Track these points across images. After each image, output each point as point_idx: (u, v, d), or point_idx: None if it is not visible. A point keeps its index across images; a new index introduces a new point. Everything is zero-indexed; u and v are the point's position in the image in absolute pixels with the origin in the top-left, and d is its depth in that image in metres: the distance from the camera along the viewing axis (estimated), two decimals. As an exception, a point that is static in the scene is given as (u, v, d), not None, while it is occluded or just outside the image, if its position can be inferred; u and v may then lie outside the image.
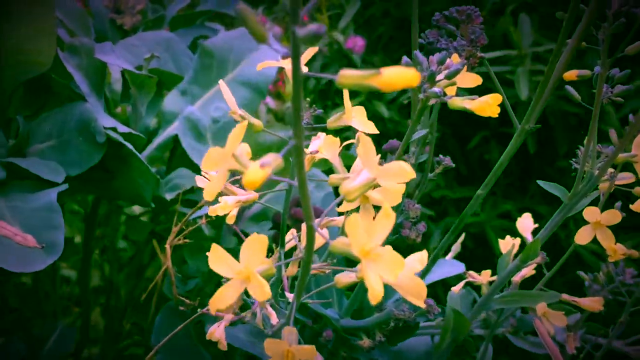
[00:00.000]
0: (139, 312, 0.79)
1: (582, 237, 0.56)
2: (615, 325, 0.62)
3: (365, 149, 0.37)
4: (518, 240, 0.62)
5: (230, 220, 0.47)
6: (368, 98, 1.34)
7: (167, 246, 0.64)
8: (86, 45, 0.67)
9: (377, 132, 0.45)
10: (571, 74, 0.48)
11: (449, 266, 0.73)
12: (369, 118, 1.40)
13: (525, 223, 0.65)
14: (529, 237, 0.64)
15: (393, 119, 1.34)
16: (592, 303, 0.57)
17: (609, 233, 0.55)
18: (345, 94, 0.47)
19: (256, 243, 0.36)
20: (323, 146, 0.50)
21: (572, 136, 1.33)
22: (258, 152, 0.69)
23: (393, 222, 0.33)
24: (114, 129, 0.63)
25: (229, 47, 0.75)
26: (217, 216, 0.48)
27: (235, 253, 0.36)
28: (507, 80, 1.23)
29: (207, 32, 0.86)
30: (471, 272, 0.65)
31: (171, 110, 0.74)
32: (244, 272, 0.36)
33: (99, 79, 0.68)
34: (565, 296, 0.59)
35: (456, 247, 0.77)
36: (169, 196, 0.70)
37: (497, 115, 0.42)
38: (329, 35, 1.36)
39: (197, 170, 0.73)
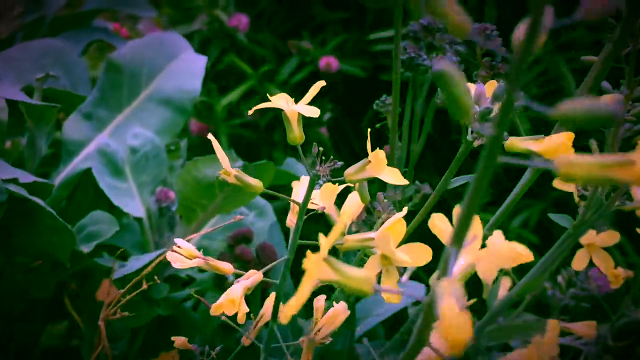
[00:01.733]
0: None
1: (579, 262, 0.53)
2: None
3: (457, 223, 0.26)
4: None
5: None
6: (259, 81, 1.24)
7: (101, 323, 0.52)
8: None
9: (406, 182, 0.37)
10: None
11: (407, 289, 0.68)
12: (262, 102, 1.28)
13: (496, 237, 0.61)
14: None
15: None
16: (585, 328, 0.55)
17: (607, 256, 0.52)
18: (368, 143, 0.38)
19: None
20: (320, 195, 0.42)
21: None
22: (197, 189, 0.58)
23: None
24: (15, 181, 0.49)
25: (141, 59, 0.61)
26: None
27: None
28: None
29: (101, 35, 0.70)
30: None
31: (73, 138, 0.60)
32: None
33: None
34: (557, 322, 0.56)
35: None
36: (86, 248, 0.57)
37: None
38: (209, 13, 1.22)
39: (116, 212, 0.60)
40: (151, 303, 0.59)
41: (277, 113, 1.31)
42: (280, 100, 0.39)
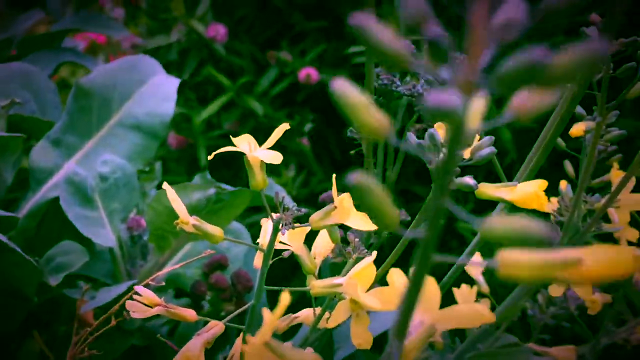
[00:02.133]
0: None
1: (556, 288, 0.52)
2: None
3: (427, 290, 0.25)
4: (475, 290, 0.58)
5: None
6: (238, 92, 1.23)
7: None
8: None
9: (375, 227, 0.35)
10: (578, 129, 0.42)
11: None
12: (240, 115, 1.28)
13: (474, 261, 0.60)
14: (481, 280, 0.60)
15: (267, 114, 1.23)
16: (565, 352, 0.55)
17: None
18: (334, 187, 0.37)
19: None
20: (288, 237, 0.40)
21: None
22: (169, 217, 0.57)
23: None
24: (-23, 216, 0.47)
25: (112, 83, 0.60)
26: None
27: None
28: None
29: (71, 56, 0.68)
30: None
31: (41, 166, 0.58)
32: None
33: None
34: (535, 347, 0.56)
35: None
36: (53, 281, 0.55)
37: (545, 209, 0.35)
38: (186, 23, 1.21)
39: (85, 242, 0.59)
40: (125, 334, 0.57)
41: (258, 122, 1.29)
42: (243, 144, 0.37)
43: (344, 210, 0.34)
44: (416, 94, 0.46)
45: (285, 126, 0.37)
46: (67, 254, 0.57)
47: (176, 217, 0.57)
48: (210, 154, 1.24)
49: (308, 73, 1.21)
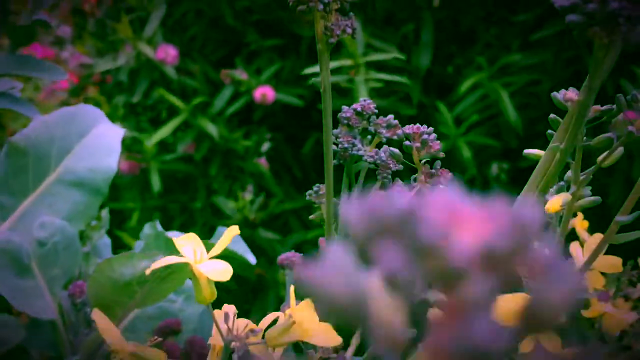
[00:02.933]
0: None
1: (526, 345, 0.50)
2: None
3: None
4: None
5: None
6: (192, 113, 1.18)
7: None
8: None
9: (340, 340, 0.32)
10: (555, 205, 0.40)
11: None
12: (195, 137, 1.23)
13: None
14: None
15: (222, 135, 1.19)
16: None
17: (555, 337, 0.50)
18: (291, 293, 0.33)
19: None
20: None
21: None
22: (113, 289, 0.52)
23: None
24: None
25: (50, 138, 0.55)
26: None
27: None
28: (344, 90, 1.15)
29: (6, 103, 0.62)
30: None
31: (-29, 231, 0.53)
32: None
33: None
34: None
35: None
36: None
37: None
38: (134, 45, 1.15)
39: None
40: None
41: (214, 144, 1.25)
42: (188, 249, 0.33)
43: (304, 324, 0.31)
44: (379, 162, 0.43)
45: (235, 230, 0.33)
46: (2, 329, 0.53)
47: (120, 288, 0.53)
48: (164, 178, 1.18)
49: (264, 92, 1.17)
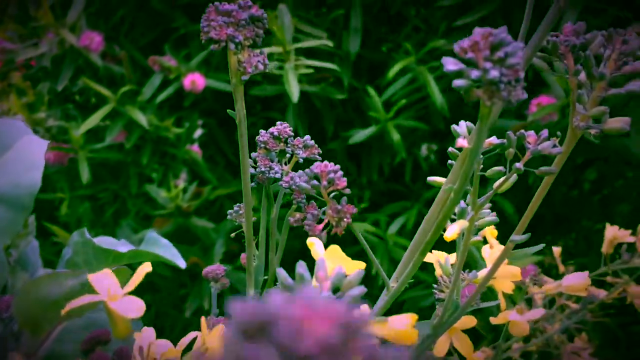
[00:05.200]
0: None
1: (440, 348, 0.54)
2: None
3: None
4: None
5: None
6: (120, 101, 1.16)
7: None
8: None
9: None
10: (453, 234, 0.43)
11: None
12: (125, 125, 1.21)
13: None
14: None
15: (153, 124, 1.18)
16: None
17: (466, 339, 0.53)
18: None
19: None
20: None
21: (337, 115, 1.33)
22: (41, 308, 0.53)
23: None
24: None
25: (-35, 155, 0.54)
26: None
27: None
28: (274, 76, 1.16)
29: None
30: None
31: None
32: None
33: None
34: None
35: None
36: None
37: (415, 342, 0.35)
38: (56, 32, 1.12)
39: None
40: None
41: (145, 132, 1.23)
42: (102, 286, 0.34)
43: (216, 353, 0.33)
44: (295, 187, 0.44)
45: (147, 268, 0.35)
46: None
47: (48, 306, 0.53)
48: (94, 167, 1.16)
49: (193, 80, 1.17)
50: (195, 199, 1.19)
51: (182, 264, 0.66)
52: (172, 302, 1.27)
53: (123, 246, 0.66)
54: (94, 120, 1.12)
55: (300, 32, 1.17)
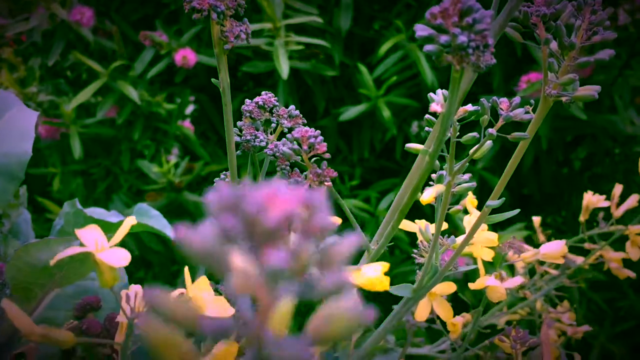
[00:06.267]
0: None
1: (421, 311, 0.56)
2: None
3: None
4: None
5: None
6: (112, 76, 1.17)
7: None
8: None
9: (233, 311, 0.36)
10: (430, 197, 0.44)
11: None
12: (117, 100, 1.22)
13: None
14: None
15: (144, 99, 1.19)
16: None
17: (446, 304, 0.55)
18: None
19: None
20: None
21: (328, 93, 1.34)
22: (32, 273, 0.54)
23: None
24: None
25: (-44, 125, 0.55)
26: None
27: None
28: (265, 52, 1.16)
29: None
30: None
31: None
32: None
33: None
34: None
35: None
36: None
37: (387, 289, 0.36)
38: (46, 6, 1.12)
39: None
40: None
41: (136, 107, 1.24)
42: (89, 240, 0.36)
43: (199, 299, 0.34)
44: (278, 155, 0.46)
45: (131, 221, 0.36)
46: None
47: (39, 272, 0.55)
48: (86, 142, 1.17)
49: (185, 55, 1.17)
50: (187, 174, 1.20)
51: (171, 234, 0.67)
52: (164, 278, 1.29)
53: (114, 217, 0.67)
54: (85, 94, 1.12)
55: (290, 8, 1.17)
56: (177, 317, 0.19)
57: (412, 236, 0.58)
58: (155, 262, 1.28)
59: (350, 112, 1.22)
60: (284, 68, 1.08)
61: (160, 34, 1.19)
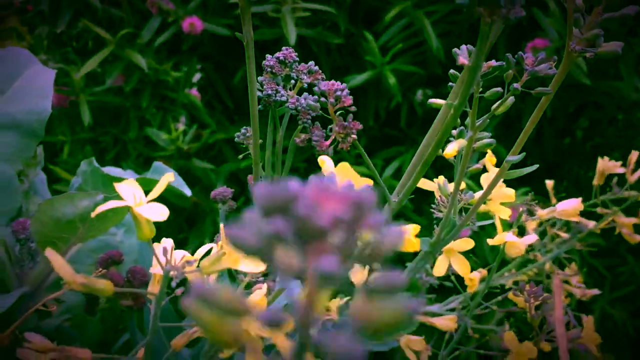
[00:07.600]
0: None
1: (439, 267, 0.57)
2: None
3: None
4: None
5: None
6: (119, 44, 1.17)
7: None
8: None
9: (263, 267, 0.37)
10: (452, 150, 0.45)
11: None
12: (124, 68, 1.23)
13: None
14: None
15: (152, 66, 1.19)
16: (447, 322, 0.60)
17: (464, 260, 0.56)
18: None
19: None
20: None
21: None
22: (56, 227, 0.55)
23: None
24: None
25: (-21, 81, 0.56)
26: None
27: None
28: (272, 19, 1.16)
29: None
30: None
31: None
32: None
33: None
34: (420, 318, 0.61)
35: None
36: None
37: (417, 250, 0.38)
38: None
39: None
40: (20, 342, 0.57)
41: (144, 75, 1.24)
42: (127, 194, 0.37)
43: (233, 255, 0.36)
44: (300, 108, 0.47)
45: (170, 177, 0.37)
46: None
47: (63, 226, 0.56)
48: (94, 110, 1.18)
49: (192, 22, 1.17)
50: (195, 141, 1.21)
51: (187, 192, 0.69)
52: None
53: (130, 175, 0.69)
54: (93, 62, 1.13)
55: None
56: (229, 312, 0.19)
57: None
58: (162, 228, 1.29)
59: (356, 80, 1.22)
60: (291, 34, 1.08)
61: (167, 2, 1.19)
